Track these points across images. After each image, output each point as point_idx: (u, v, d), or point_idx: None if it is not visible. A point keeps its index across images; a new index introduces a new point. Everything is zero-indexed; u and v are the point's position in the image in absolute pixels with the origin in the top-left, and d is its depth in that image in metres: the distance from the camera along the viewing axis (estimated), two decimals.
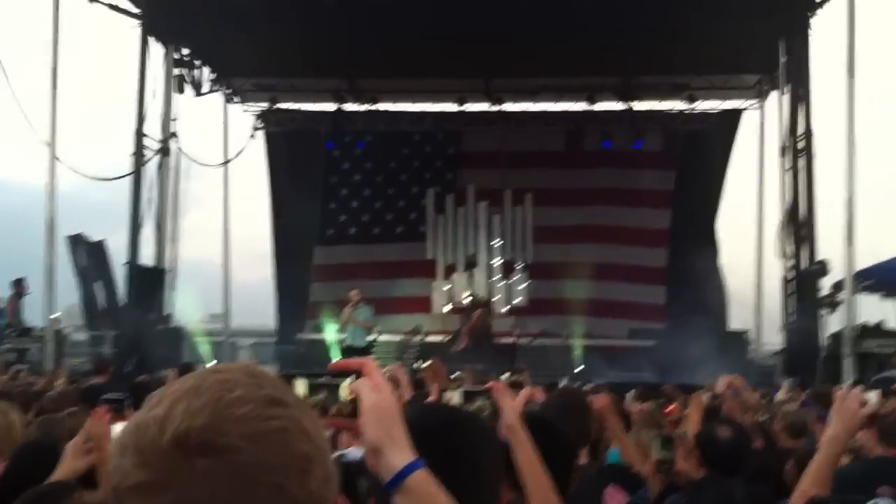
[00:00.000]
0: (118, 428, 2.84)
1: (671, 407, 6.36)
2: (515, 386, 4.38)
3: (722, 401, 5.68)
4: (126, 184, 18.81)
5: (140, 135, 18.76)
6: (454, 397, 2.74)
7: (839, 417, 3.17)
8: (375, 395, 1.52)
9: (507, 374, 6.37)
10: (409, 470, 1.46)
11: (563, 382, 11.91)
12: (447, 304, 23.73)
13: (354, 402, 1.53)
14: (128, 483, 1.05)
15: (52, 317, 15.77)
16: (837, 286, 16.27)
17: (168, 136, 19.91)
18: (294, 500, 1.07)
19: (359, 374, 1.58)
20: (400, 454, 1.47)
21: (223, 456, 1.04)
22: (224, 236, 23.39)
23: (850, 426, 3.21)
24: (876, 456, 3.89)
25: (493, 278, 24.25)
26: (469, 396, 2.73)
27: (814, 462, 3.12)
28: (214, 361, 17.72)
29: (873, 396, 3.37)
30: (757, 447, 4.74)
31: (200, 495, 1.03)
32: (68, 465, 2.95)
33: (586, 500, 3.21)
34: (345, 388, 1.64)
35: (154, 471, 1.04)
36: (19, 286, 17.01)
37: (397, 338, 21.81)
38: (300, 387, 1.70)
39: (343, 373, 1.66)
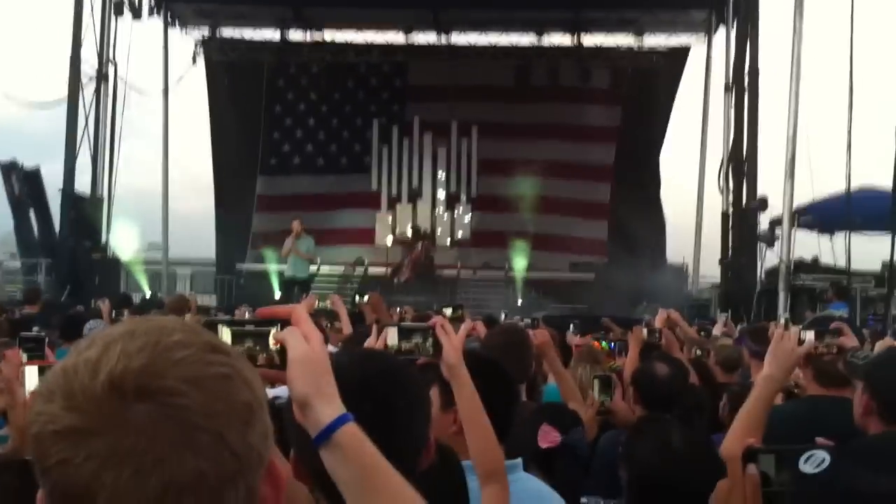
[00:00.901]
0: (32, 370, 2.74)
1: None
2: (456, 321, 4.34)
3: (660, 336, 5.73)
4: (64, 112, 18.33)
5: (77, 60, 18.18)
6: (391, 334, 2.67)
7: (775, 358, 3.17)
8: (304, 345, 1.44)
9: (449, 310, 6.32)
10: (337, 424, 1.39)
11: (502, 316, 12.00)
12: (390, 236, 23.69)
13: (284, 352, 1.45)
14: (54, 427, 0.95)
15: None
16: (776, 222, 16.52)
17: (106, 61, 19.37)
18: (234, 452, 0.99)
19: (287, 322, 1.51)
20: (328, 407, 1.39)
21: (162, 399, 0.96)
22: (164, 165, 22.93)
23: (785, 366, 3.22)
24: (811, 395, 3.93)
25: (437, 210, 24.23)
26: (405, 333, 2.66)
27: (748, 402, 3.13)
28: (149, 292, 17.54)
29: (810, 335, 3.38)
30: (693, 383, 4.79)
31: (136, 441, 0.94)
32: None
33: (522, 438, 3.20)
34: (274, 337, 1.57)
35: (85, 415, 0.95)
36: None
37: (339, 270, 21.75)
38: (225, 335, 1.62)
39: (272, 321, 1.59)
